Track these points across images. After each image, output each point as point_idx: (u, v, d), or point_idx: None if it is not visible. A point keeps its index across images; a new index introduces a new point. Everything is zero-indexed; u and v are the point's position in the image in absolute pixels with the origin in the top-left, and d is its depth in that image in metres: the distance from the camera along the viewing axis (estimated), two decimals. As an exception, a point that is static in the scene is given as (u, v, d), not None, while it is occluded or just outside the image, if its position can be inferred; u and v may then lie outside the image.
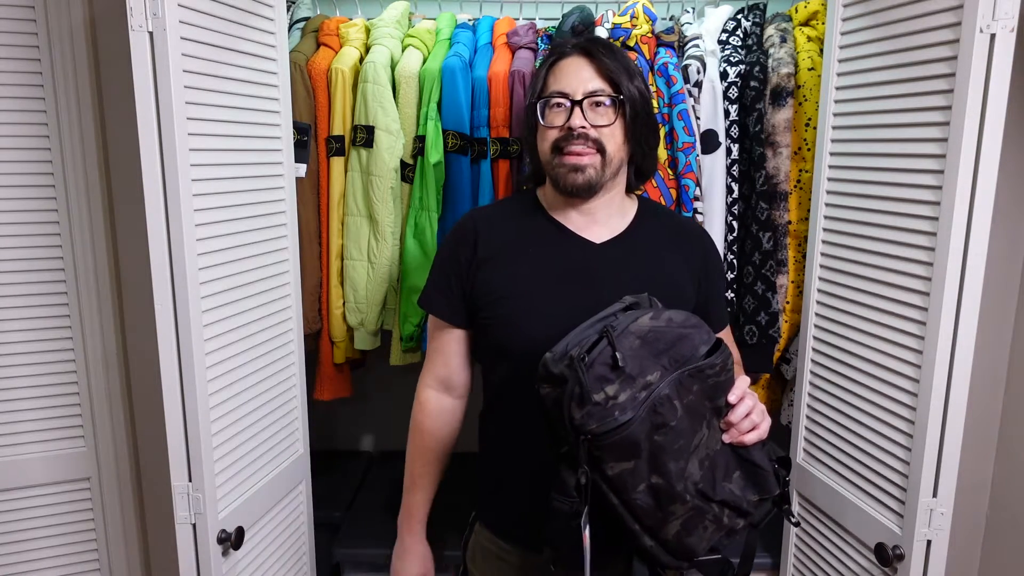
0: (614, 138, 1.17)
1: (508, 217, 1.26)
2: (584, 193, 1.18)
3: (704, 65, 1.52)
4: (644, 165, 1.26)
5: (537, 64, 1.56)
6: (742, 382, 1.04)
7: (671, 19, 1.69)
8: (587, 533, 0.94)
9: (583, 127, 1.14)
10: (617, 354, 0.92)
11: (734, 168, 1.56)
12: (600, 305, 1.11)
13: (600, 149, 1.15)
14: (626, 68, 1.18)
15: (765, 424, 1.04)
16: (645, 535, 0.97)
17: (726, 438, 1.02)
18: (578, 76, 1.17)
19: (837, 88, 1.38)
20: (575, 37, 1.42)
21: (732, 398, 1.02)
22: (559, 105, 1.17)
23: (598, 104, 1.16)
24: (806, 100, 1.51)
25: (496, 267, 1.20)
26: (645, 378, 0.94)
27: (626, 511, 0.95)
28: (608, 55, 1.17)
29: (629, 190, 1.29)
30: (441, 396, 1.29)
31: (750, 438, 1.02)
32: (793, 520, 1.14)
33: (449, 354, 1.27)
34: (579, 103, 1.15)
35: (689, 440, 0.96)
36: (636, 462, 0.93)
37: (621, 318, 0.98)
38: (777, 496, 1.05)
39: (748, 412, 1.02)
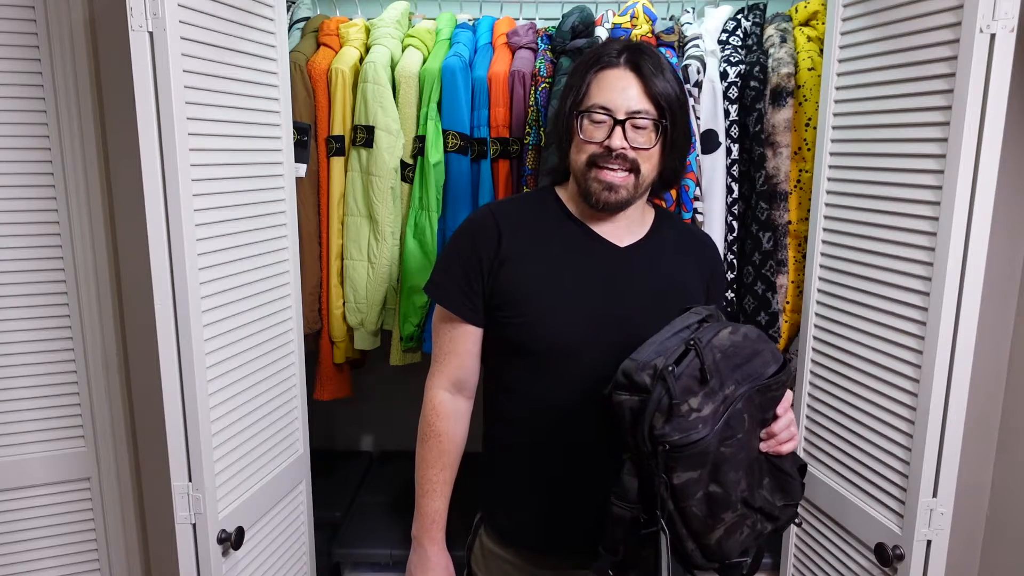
0: (651, 160, 1.15)
1: (529, 215, 1.23)
2: (614, 210, 1.18)
3: (704, 65, 1.52)
4: (672, 176, 1.25)
5: (538, 64, 1.56)
6: (788, 396, 1.07)
7: (671, 19, 1.69)
8: (664, 540, 0.96)
9: (623, 148, 1.12)
10: (705, 368, 0.93)
11: (734, 168, 1.56)
12: (623, 307, 1.13)
13: (635, 169, 1.14)
14: (670, 82, 1.14)
15: (797, 435, 1.08)
16: (689, 539, 0.98)
17: (764, 447, 1.05)
18: (624, 93, 1.12)
19: (837, 88, 1.38)
20: (619, 42, 1.29)
21: (780, 411, 1.05)
22: (599, 120, 1.13)
23: (639, 125, 1.13)
24: (806, 100, 1.51)
25: (521, 266, 1.17)
26: (724, 391, 0.95)
27: (679, 517, 0.96)
28: (657, 72, 1.13)
29: (652, 195, 1.29)
30: (455, 398, 1.23)
31: (786, 448, 1.06)
32: (796, 520, 1.15)
33: (464, 354, 1.22)
34: (622, 123, 1.12)
35: (747, 452, 0.99)
36: (701, 471, 0.94)
37: (702, 331, 0.99)
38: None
39: (788, 424, 1.06)
